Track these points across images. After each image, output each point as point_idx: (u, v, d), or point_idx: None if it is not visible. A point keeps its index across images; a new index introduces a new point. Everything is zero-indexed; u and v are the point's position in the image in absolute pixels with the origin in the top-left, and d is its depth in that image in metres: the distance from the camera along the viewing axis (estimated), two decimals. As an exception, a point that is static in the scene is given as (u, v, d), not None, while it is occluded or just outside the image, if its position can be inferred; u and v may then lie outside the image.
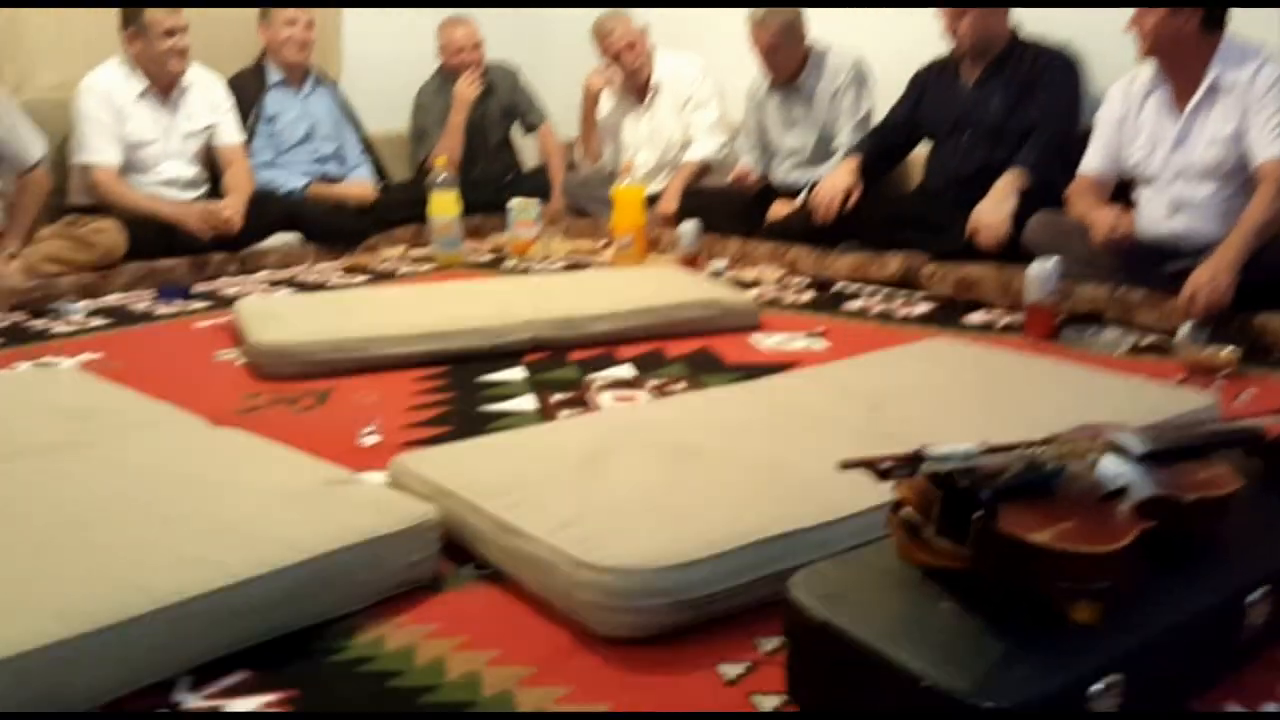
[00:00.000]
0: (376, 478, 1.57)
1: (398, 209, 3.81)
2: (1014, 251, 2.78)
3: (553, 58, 4.56)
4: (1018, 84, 3.04)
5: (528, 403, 2.06)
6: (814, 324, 2.65)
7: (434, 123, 4.10)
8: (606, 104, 4.02)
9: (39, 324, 2.73)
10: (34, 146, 3.10)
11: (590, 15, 3.94)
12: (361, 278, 3.34)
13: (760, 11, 3.44)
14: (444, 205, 3.52)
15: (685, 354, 2.38)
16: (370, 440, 1.82)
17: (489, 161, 4.20)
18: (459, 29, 4.09)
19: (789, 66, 3.54)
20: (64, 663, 1.02)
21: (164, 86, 3.39)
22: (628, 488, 1.39)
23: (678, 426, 1.65)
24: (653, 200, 3.70)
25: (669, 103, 3.91)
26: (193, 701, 1.08)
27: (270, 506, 1.33)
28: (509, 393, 2.12)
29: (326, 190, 3.75)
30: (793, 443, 1.55)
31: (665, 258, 3.46)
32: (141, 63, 3.33)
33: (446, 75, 4.15)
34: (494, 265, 3.55)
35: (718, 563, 1.20)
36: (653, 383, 2.17)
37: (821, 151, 3.56)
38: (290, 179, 3.73)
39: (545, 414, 1.99)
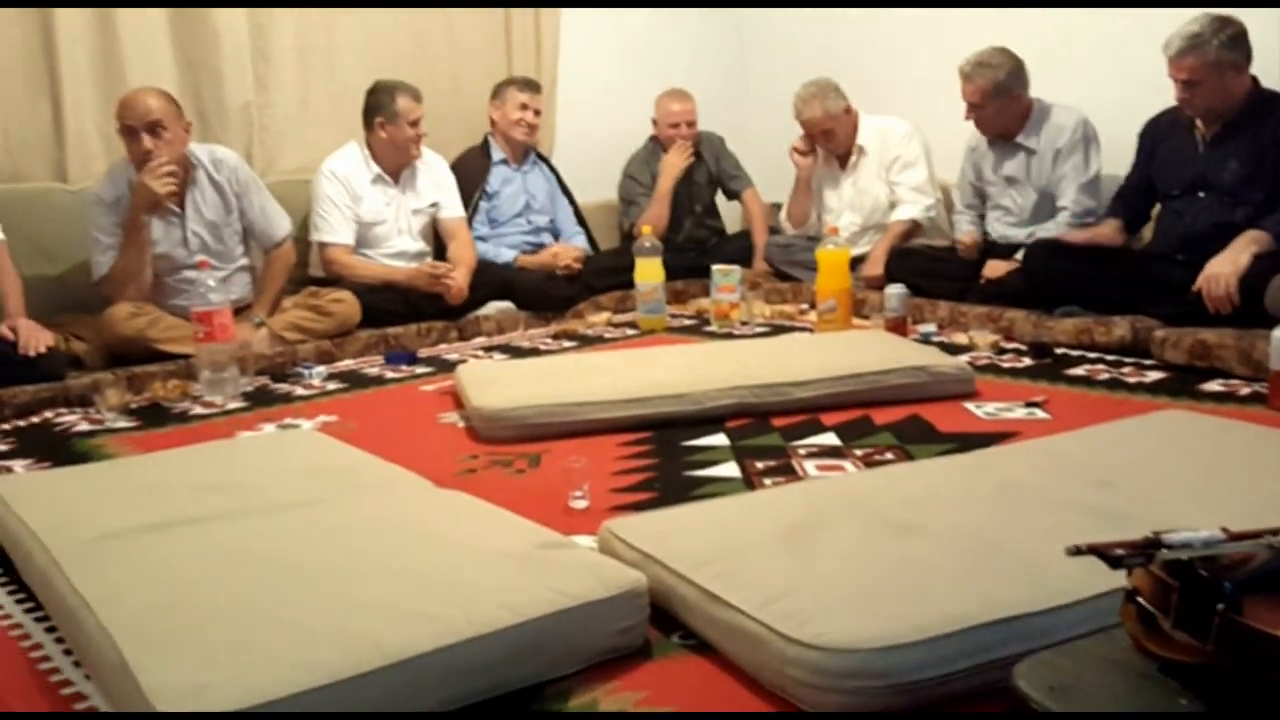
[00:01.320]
0: (586, 541, 1.61)
1: (604, 275, 3.93)
2: (1255, 315, 2.58)
3: (752, 121, 4.64)
4: (1260, 142, 2.85)
5: (731, 469, 2.06)
6: (1033, 392, 2.54)
7: (642, 190, 4.24)
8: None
9: (282, 388, 2.96)
10: (281, 224, 3.40)
11: (791, 77, 3.97)
12: (570, 343, 3.46)
13: (970, 64, 3.39)
14: (648, 271, 3.61)
15: (894, 422, 2.33)
16: (580, 504, 1.87)
17: (694, 227, 4.30)
18: (677, 103, 4.21)
19: (1001, 123, 3.46)
20: (301, 714, 1.09)
21: (396, 169, 3.66)
22: (838, 562, 1.37)
23: (888, 498, 1.61)
24: (857, 263, 3.67)
25: (874, 165, 3.89)
26: (418, 756, 1.13)
27: (489, 568, 1.39)
28: (713, 459, 2.13)
29: (537, 260, 3.92)
30: (1013, 520, 1.49)
31: (870, 322, 3.41)
32: (383, 148, 3.61)
33: (657, 145, 4.29)
34: (696, 330, 3.60)
35: (935, 646, 1.16)
36: (859, 451, 2.14)
37: (1042, 211, 3.45)
38: (506, 250, 3.93)
39: (749, 481, 1.99)
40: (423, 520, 1.61)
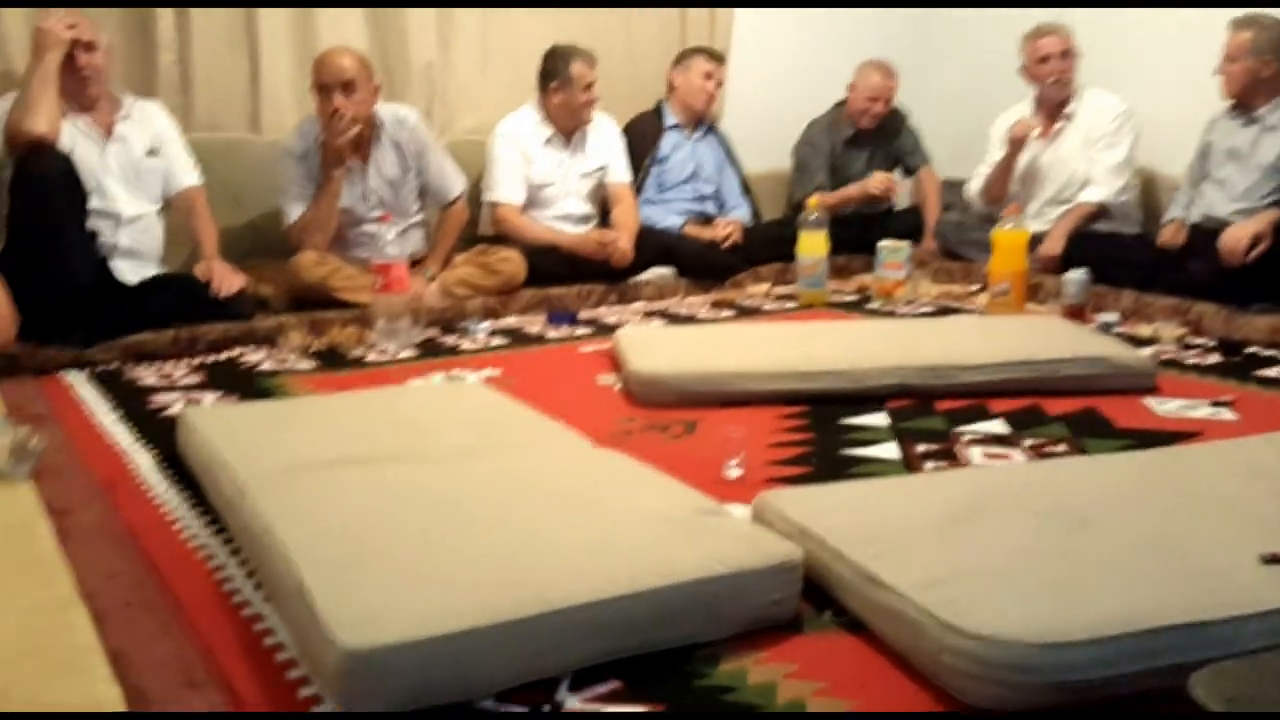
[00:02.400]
0: (739, 511, 1.61)
1: (766, 246, 3.90)
2: None
3: (933, 94, 4.49)
4: None
5: (890, 450, 2.02)
6: (1220, 391, 2.39)
7: (820, 160, 4.15)
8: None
9: (450, 340, 3.06)
10: (456, 183, 3.50)
11: (980, 48, 3.83)
12: (728, 312, 3.45)
13: (1242, 16, 3.24)
14: (812, 244, 3.56)
15: (1068, 413, 2.23)
16: (734, 473, 1.86)
17: (865, 202, 4.20)
18: (877, 75, 4.09)
19: (1244, 85, 3.26)
20: (464, 651, 1.13)
21: (568, 132, 3.72)
22: (1002, 552, 1.33)
23: (1059, 492, 1.55)
24: (1036, 242, 3.51)
25: (1077, 136, 3.69)
26: (572, 703, 1.16)
27: (645, 528, 1.41)
28: (871, 438, 2.09)
29: (699, 231, 3.92)
30: (1193, 524, 1.41)
31: (1045, 308, 3.27)
32: (556, 111, 3.67)
33: (842, 112, 4.19)
34: (857, 306, 3.53)
35: (1103, 646, 1.11)
36: (1029, 441, 2.06)
37: (1255, 193, 3.21)
38: (670, 216, 3.95)
39: (909, 464, 1.95)
40: (583, 477, 1.64)
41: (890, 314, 3.38)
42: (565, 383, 2.59)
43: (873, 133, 4.19)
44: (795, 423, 2.20)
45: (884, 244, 3.55)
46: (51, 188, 2.69)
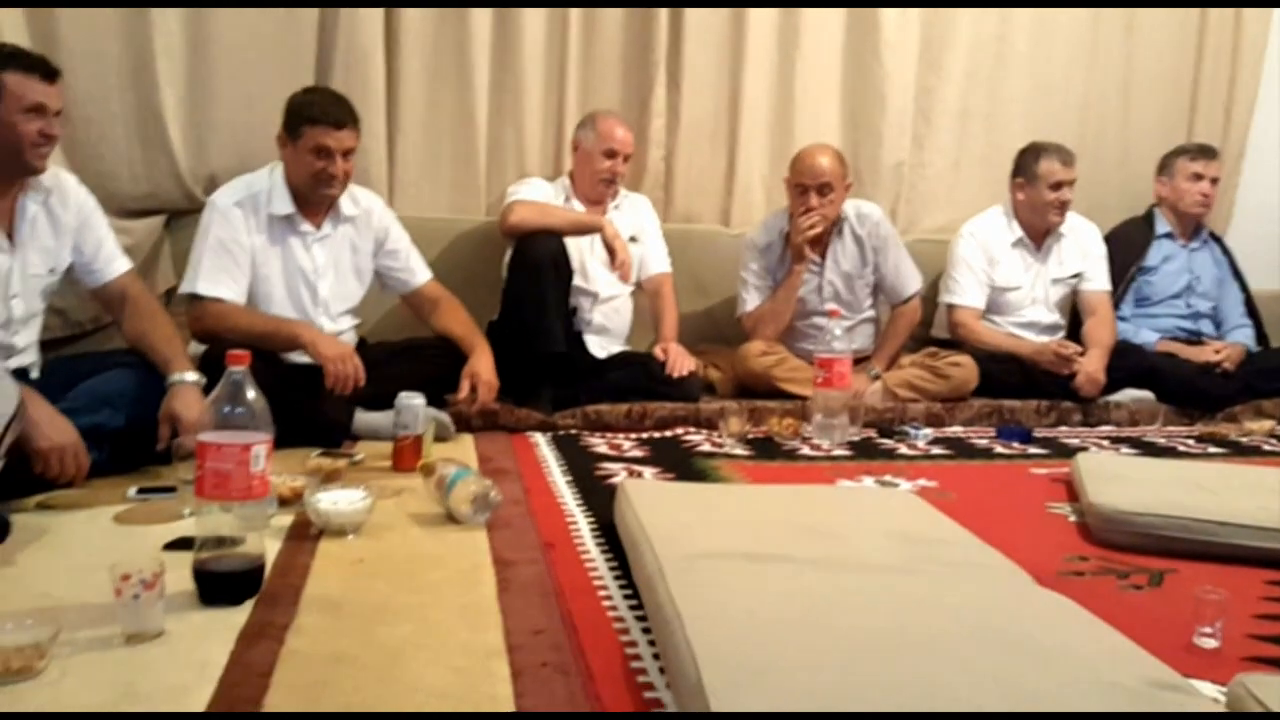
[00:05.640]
0: (1208, 690, 1.34)
1: (1273, 377, 3.36)
2: None
3: None
4: None
5: None
6: None
7: None
8: None
9: (886, 443, 2.95)
10: (912, 282, 3.42)
11: None
12: (1217, 449, 2.99)
13: None
14: (1337, 380, 3.00)
15: None
16: (1208, 643, 1.56)
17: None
18: None
19: None
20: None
21: (1039, 234, 3.49)
22: None
23: None
24: None
25: None
26: None
27: (1088, 692, 1.21)
28: (1396, 627, 1.67)
29: (1184, 350, 3.48)
30: None
31: None
32: (1023, 210, 3.47)
33: None
34: (1394, 461, 2.90)
35: None
36: None
37: None
38: (1148, 332, 3.54)
39: None
40: (1019, 618, 1.45)
41: None
42: (1010, 505, 2.37)
43: None
44: (1293, 593, 1.82)
45: None
46: (544, 268, 3.01)
